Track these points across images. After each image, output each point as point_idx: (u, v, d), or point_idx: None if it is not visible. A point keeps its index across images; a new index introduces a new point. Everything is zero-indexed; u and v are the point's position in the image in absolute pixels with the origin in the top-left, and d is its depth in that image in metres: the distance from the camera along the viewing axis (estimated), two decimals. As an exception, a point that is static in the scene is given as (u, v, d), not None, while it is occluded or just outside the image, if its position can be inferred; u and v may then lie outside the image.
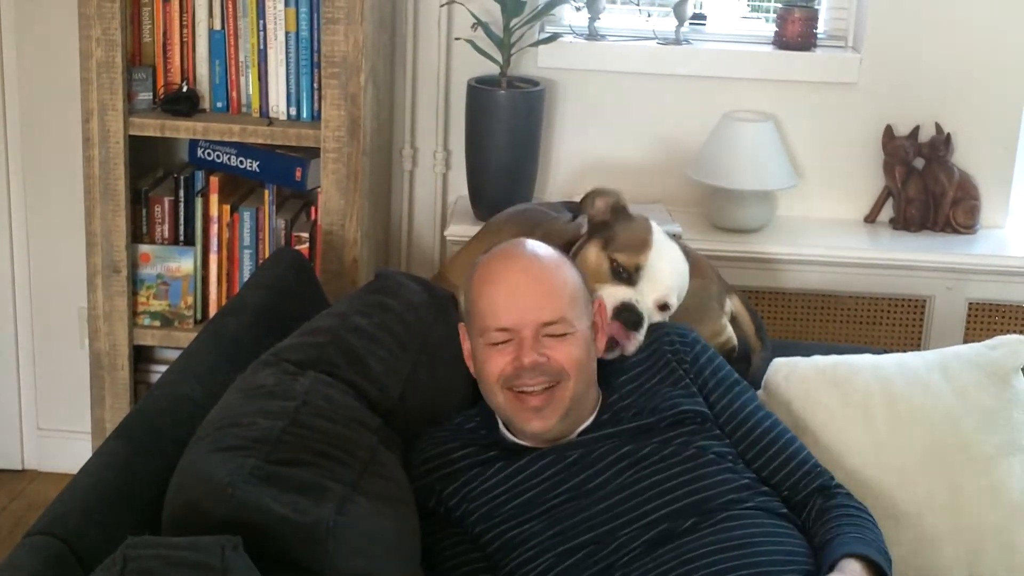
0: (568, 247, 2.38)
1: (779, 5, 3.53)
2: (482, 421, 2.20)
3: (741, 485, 2.04)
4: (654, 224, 2.41)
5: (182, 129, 3.01)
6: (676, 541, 1.95)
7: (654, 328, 2.29)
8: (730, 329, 2.59)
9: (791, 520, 2.05)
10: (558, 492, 2.05)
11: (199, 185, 3.13)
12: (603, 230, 2.38)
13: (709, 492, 2.01)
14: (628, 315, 2.26)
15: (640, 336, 2.27)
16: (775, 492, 2.09)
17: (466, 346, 2.21)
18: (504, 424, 2.17)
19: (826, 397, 2.39)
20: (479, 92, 3.25)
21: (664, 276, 2.34)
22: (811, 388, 2.41)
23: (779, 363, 2.48)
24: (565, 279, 2.13)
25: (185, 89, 3.04)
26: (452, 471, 2.12)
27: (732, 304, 2.62)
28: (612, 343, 2.25)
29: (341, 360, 2.12)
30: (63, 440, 3.66)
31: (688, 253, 2.61)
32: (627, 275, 2.31)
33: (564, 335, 2.07)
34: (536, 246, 2.19)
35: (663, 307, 2.34)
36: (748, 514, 2.00)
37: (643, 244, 2.34)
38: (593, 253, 2.34)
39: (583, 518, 2.01)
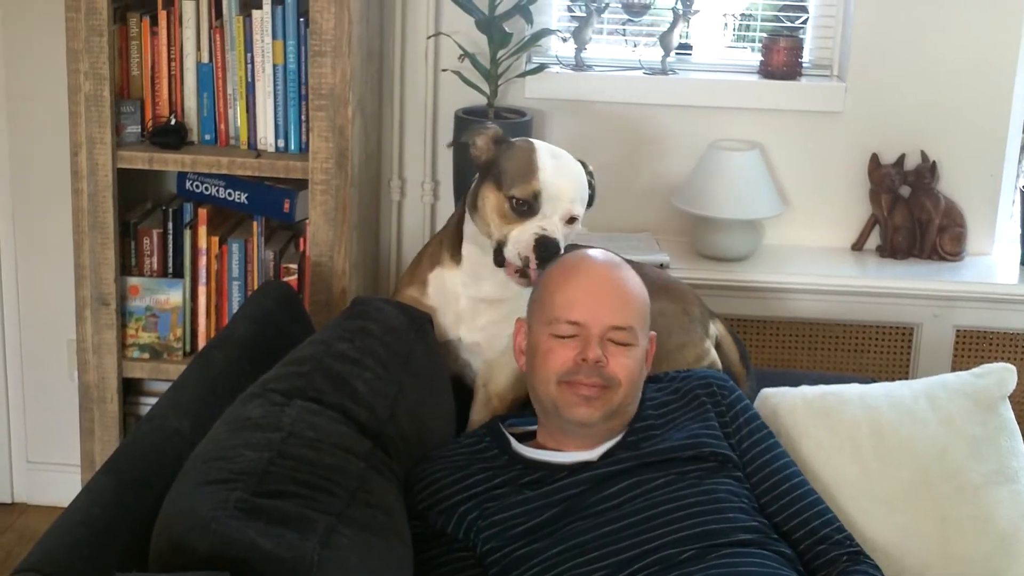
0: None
1: (764, 35, 3.55)
2: (492, 442, 2.22)
3: (751, 527, 2.05)
4: (536, 143, 2.42)
5: (170, 162, 3.02)
6: (680, 571, 1.96)
7: (692, 372, 2.34)
8: (714, 353, 2.59)
9: (796, 569, 2.05)
10: (570, 514, 2.06)
11: (187, 217, 3.13)
12: (491, 168, 2.40)
13: (716, 526, 2.02)
14: (545, 250, 2.30)
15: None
16: (787, 542, 2.10)
17: (520, 340, 2.26)
18: (544, 417, 2.20)
19: (814, 428, 2.40)
20: (466, 123, 3.25)
21: (562, 191, 2.35)
22: (799, 419, 2.41)
23: (766, 394, 2.49)
24: (642, 295, 2.20)
25: (173, 122, 3.05)
26: (473, 492, 2.13)
27: (716, 329, 2.63)
28: (523, 272, 2.32)
29: (327, 386, 2.12)
30: (53, 473, 3.65)
31: (666, 279, 2.64)
32: (527, 206, 2.33)
33: (627, 345, 2.13)
34: (618, 259, 2.26)
35: (570, 220, 2.37)
36: (754, 553, 2.01)
37: (531, 169, 2.35)
38: (492, 197, 2.37)
39: (591, 538, 2.02)
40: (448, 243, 2.52)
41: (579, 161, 2.46)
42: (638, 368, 2.16)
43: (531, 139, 2.46)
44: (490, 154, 2.42)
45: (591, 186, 2.48)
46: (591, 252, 2.26)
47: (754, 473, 2.18)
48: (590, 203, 2.47)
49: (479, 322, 2.45)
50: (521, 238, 2.31)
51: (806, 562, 2.09)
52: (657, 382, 2.32)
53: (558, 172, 2.36)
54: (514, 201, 2.33)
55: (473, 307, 2.47)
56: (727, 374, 2.60)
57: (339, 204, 2.98)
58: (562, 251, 2.32)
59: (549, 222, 2.33)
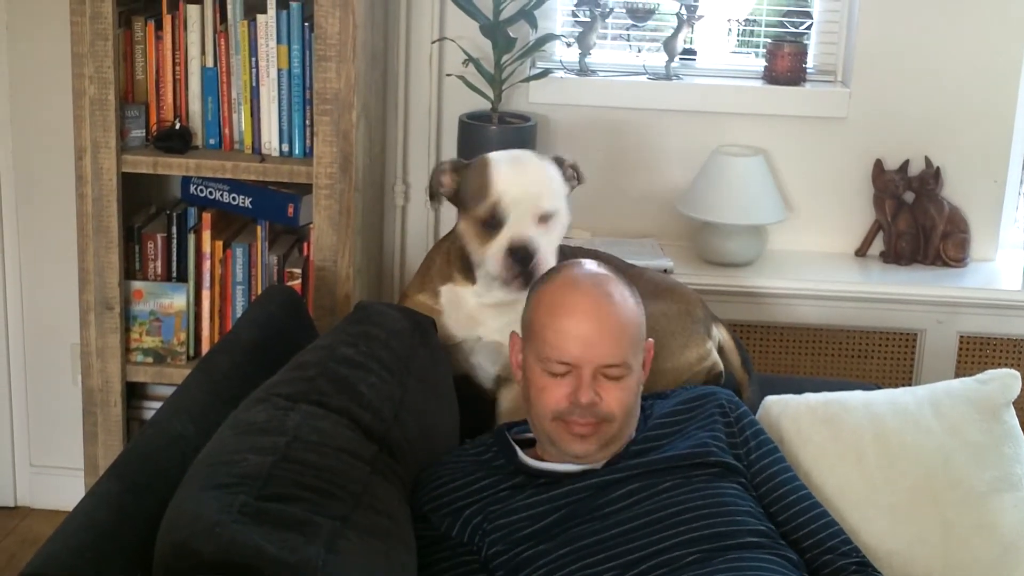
0: None
1: (768, 40, 3.55)
2: (499, 451, 2.22)
3: (758, 530, 2.05)
4: (491, 156, 2.42)
5: (175, 166, 3.02)
6: (687, 573, 1.96)
7: (701, 388, 2.34)
8: (716, 356, 2.60)
9: (803, 574, 2.05)
10: (575, 517, 2.07)
11: (192, 222, 3.13)
12: (458, 197, 2.43)
13: (724, 529, 2.03)
14: (519, 258, 2.31)
15: (549, 259, 2.33)
16: (794, 548, 2.10)
17: (517, 357, 2.23)
18: (539, 443, 2.20)
19: (817, 435, 2.39)
20: (471, 128, 3.26)
21: (522, 194, 2.35)
22: (802, 426, 2.41)
23: (770, 401, 2.49)
24: (632, 319, 2.15)
25: (178, 126, 3.05)
26: (478, 496, 2.13)
27: (719, 333, 2.64)
28: (508, 279, 2.34)
29: (332, 390, 2.12)
30: (56, 477, 3.65)
31: (670, 282, 2.65)
32: (494, 220, 2.34)
33: (620, 378, 2.11)
34: (609, 281, 2.17)
35: (544, 218, 2.36)
36: (761, 556, 2.01)
37: (485, 183, 2.36)
38: (463, 224, 2.40)
39: (597, 540, 2.03)
40: (458, 263, 2.51)
41: (555, 158, 2.46)
42: (634, 393, 2.15)
43: (488, 154, 2.45)
44: (454, 186, 2.44)
45: (576, 176, 2.49)
46: (579, 279, 2.17)
47: (761, 484, 2.18)
48: (578, 185, 2.48)
49: (496, 324, 2.46)
50: (494, 254, 2.33)
51: (812, 571, 2.09)
52: (666, 398, 2.32)
53: (514, 176, 2.37)
54: (480, 221, 2.35)
55: (490, 311, 2.48)
56: (729, 379, 2.62)
57: (343, 209, 2.98)
58: (538, 253, 2.32)
59: (517, 229, 2.33)
